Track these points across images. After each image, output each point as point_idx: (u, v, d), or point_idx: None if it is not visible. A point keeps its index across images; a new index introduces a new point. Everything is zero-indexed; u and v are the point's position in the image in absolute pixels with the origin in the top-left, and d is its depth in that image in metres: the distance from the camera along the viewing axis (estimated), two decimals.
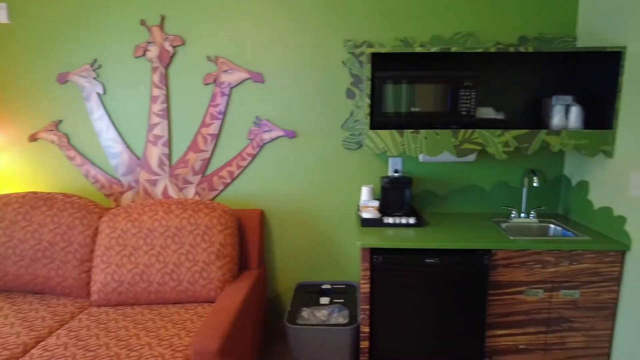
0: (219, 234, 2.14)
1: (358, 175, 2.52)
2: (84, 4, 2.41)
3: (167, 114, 2.49)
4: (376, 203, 2.27)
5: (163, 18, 2.41)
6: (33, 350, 1.73)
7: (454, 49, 2.00)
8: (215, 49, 2.43)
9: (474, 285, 1.97)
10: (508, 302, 2.00)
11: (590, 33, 2.19)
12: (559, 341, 2.03)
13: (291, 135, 2.48)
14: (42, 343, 1.78)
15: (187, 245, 2.11)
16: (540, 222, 2.31)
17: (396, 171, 2.45)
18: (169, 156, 2.54)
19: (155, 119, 2.50)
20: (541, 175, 2.46)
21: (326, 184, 2.54)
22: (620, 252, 1.92)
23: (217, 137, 2.50)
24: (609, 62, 2.00)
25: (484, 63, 2.33)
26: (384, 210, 2.33)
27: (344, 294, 2.48)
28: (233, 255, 2.18)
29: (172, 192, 2.57)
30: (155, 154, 2.53)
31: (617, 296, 1.96)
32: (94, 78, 2.47)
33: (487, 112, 2.25)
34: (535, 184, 2.23)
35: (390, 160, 2.47)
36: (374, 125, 2.10)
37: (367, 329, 2.05)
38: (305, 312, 2.25)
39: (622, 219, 1.93)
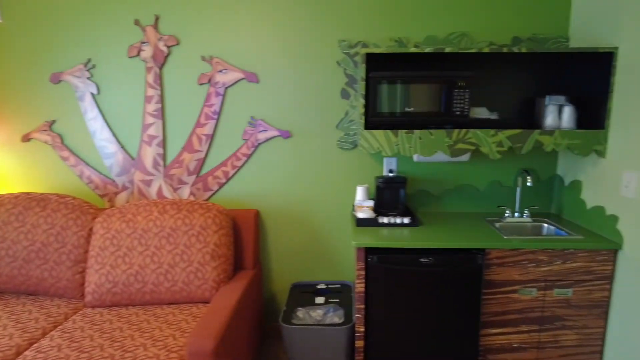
0: (213, 234, 2.13)
1: (353, 175, 2.52)
2: (77, 3, 2.40)
3: (161, 114, 2.48)
4: (371, 203, 2.27)
5: (157, 18, 2.40)
6: (26, 352, 1.72)
7: (448, 50, 2.01)
8: (210, 49, 2.42)
9: (468, 284, 1.99)
10: (502, 301, 2.02)
11: (583, 34, 2.20)
12: (552, 339, 2.04)
13: (286, 135, 2.48)
14: (35, 345, 1.77)
15: (182, 245, 2.10)
16: (534, 221, 2.33)
17: (391, 171, 2.46)
18: (164, 156, 2.53)
19: (150, 119, 2.49)
20: (535, 175, 2.48)
21: (321, 184, 2.54)
22: (613, 251, 1.93)
23: (211, 137, 2.50)
24: (601, 62, 2.01)
25: (478, 63, 2.34)
26: (378, 210, 2.34)
27: (339, 293, 2.48)
28: (228, 255, 2.18)
29: (167, 192, 2.56)
30: (149, 154, 2.53)
31: (610, 294, 1.98)
32: (88, 78, 2.46)
33: (481, 112, 2.27)
34: (528, 184, 2.25)
35: (385, 160, 2.48)
36: (369, 125, 2.11)
37: (362, 329, 2.06)
38: (301, 312, 2.25)
39: (614, 218, 1.95)
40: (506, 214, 2.35)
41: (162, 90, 2.47)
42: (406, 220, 2.19)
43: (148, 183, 2.56)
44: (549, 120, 2.13)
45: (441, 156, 2.32)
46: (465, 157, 2.36)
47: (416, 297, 2.01)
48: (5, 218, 2.20)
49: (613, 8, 1.96)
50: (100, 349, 1.71)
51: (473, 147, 2.07)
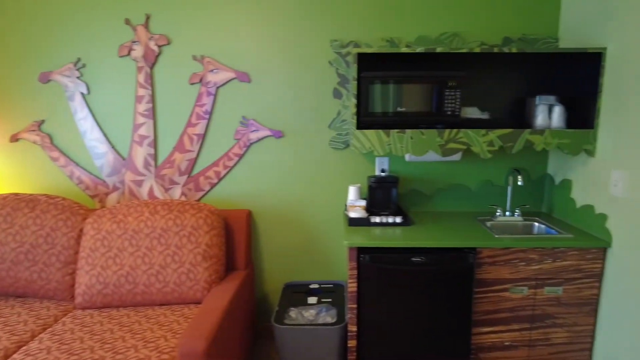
0: (205, 235, 2.12)
1: (345, 174, 2.52)
2: (66, 2, 2.38)
3: (152, 113, 2.47)
4: (363, 202, 2.28)
5: (148, 17, 2.38)
6: (15, 355, 1.69)
7: (439, 49, 2.01)
8: (201, 49, 2.41)
9: (459, 283, 2.00)
10: (493, 299, 2.03)
11: (572, 34, 2.23)
12: (543, 337, 2.06)
13: (278, 135, 2.48)
14: (24, 348, 1.75)
15: (173, 246, 2.09)
16: (525, 220, 2.35)
17: (383, 170, 2.47)
18: (155, 156, 2.51)
19: (141, 119, 2.47)
20: (525, 174, 2.50)
21: (313, 184, 2.54)
22: (602, 249, 1.96)
23: (203, 137, 2.48)
24: (590, 62, 2.03)
25: (469, 63, 2.36)
26: (371, 209, 2.34)
27: (331, 293, 2.48)
28: (220, 256, 2.17)
29: (158, 192, 2.54)
30: (140, 154, 2.51)
31: (599, 292, 2.00)
32: (78, 77, 2.44)
33: (472, 112, 2.28)
34: (519, 183, 2.27)
35: (377, 159, 2.48)
36: (361, 125, 2.11)
37: (354, 328, 2.06)
38: (293, 312, 2.24)
39: (603, 217, 1.97)
40: (497, 213, 2.37)
41: (153, 89, 2.45)
42: (398, 219, 2.20)
43: (139, 183, 2.54)
44: (540, 119, 2.15)
45: (433, 156, 2.33)
46: (456, 157, 2.37)
47: (408, 296, 2.02)
48: None
49: (602, 9, 1.98)
50: (90, 351, 1.69)
51: (464, 147, 2.09)
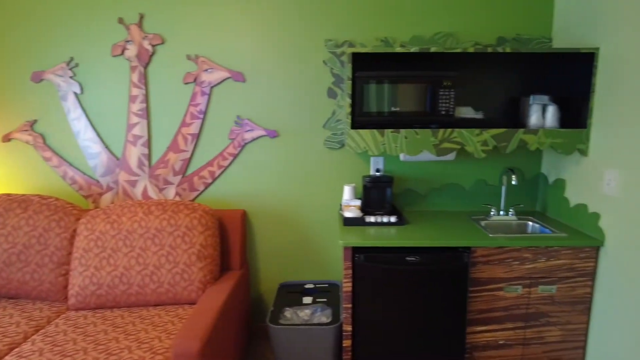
0: (199, 235, 2.12)
1: (340, 174, 2.52)
2: (59, 0, 2.36)
3: (146, 113, 2.45)
4: (358, 202, 2.28)
5: (142, 16, 2.37)
6: (6, 357, 1.68)
7: (433, 49, 2.02)
8: (196, 48, 2.40)
9: (454, 282, 2.00)
10: (488, 298, 2.04)
11: (566, 35, 2.24)
12: (537, 336, 2.07)
13: (273, 134, 2.47)
14: (16, 350, 1.74)
15: (167, 246, 2.08)
16: (519, 219, 2.36)
17: (378, 170, 2.47)
18: (149, 156, 2.50)
19: (135, 119, 2.46)
20: (519, 174, 2.51)
21: (308, 184, 2.53)
22: (595, 248, 1.97)
23: (197, 136, 2.47)
24: (583, 62, 2.05)
25: (463, 63, 2.36)
26: (365, 209, 2.34)
27: (327, 293, 2.48)
28: (214, 256, 2.16)
29: (152, 192, 2.53)
30: (134, 154, 2.49)
31: (592, 291, 2.01)
32: (71, 77, 2.42)
33: (466, 112, 2.28)
34: (513, 182, 2.28)
35: (372, 159, 2.49)
36: (355, 125, 2.11)
37: (349, 328, 2.06)
38: (288, 312, 2.24)
39: (596, 216, 1.99)
40: (491, 213, 2.38)
41: (147, 89, 2.44)
42: (393, 219, 2.20)
43: (133, 183, 2.52)
44: (533, 119, 2.16)
45: (427, 155, 2.33)
46: (450, 156, 2.37)
47: (403, 296, 2.02)
48: None
49: (594, 10, 1.99)
50: (83, 352, 1.68)
51: (458, 146, 2.09)
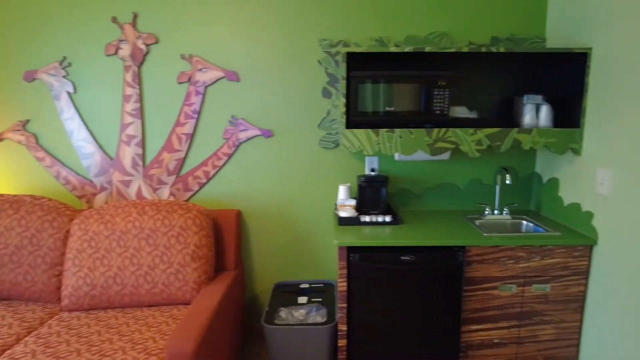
0: (194, 235, 2.11)
1: (335, 174, 2.52)
2: None
3: (140, 113, 2.44)
4: (353, 202, 2.28)
5: (135, 15, 2.36)
6: None
7: (427, 49, 2.02)
8: (190, 48, 2.39)
9: (449, 281, 2.01)
10: (482, 297, 2.04)
11: (559, 35, 2.25)
12: (531, 334, 2.08)
13: (268, 134, 2.47)
14: (8, 352, 1.72)
15: (162, 247, 2.07)
16: (513, 218, 2.37)
17: (372, 170, 2.47)
18: (143, 156, 2.49)
19: (128, 119, 2.44)
20: (513, 173, 2.52)
21: (303, 183, 2.53)
22: (588, 247, 1.98)
23: (191, 136, 2.47)
24: (576, 62, 2.06)
25: (457, 63, 2.37)
26: (360, 208, 2.34)
27: (322, 292, 2.48)
28: (209, 256, 2.15)
29: (146, 192, 2.52)
30: (128, 154, 2.48)
31: (585, 289, 2.03)
32: (64, 76, 2.40)
33: (460, 111, 2.29)
34: (508, 182, 2.29)
35: (367, 159, 2.49)
36: (350, 125, 2.11)
37: (344, 327, 2.06)
38: (283, 312, 2.24)
39: (589, 215, 2.00)
40: (486, 212, 2.39)
41: (140, 89, 2.43)
42: (388, 218, 2.20)
43: (127, 183, 2.51)
44: (527, 119, 2.17)
45: (422, 155, 2.33)
46: (445, 156, 2.38)
47: (398, 295, 2.02)
48: None
49: (587, 10, 2.01)
50: (77, 354, 1.67)
51: (453, 146, 2.10)
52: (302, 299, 2.39)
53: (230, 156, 2.49)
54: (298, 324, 2.13)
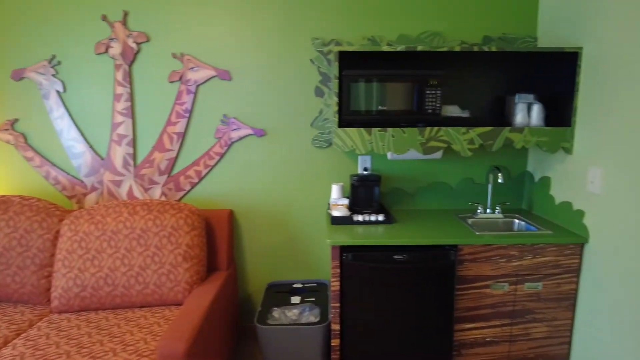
0: (185, 235, 2.09)
1: (328, 173, 2.52)
2: None
3: (131, 112, 2.42)
4: (346, 201, 2.28)
5: (126, 14, 2.33)
6: None
7: (420, 48, 2.02)
8: (181, 46, 2.37)
9: (441, 280, 2.01)
10: (475, 296, 2.05)
11: (550, 34, 2.26)
12: (523, 332, 2.09)
13: (260, 133, 2.45)
14: None
15: (153, 247, 2.05)
16: (505, 217, 2.38)
17: (365, 169, 2.47)
18: (134, 156, 2.46)
19: (119, 118, 2.42)
20: (505, 172, 2.53)
21: (296, 183, 2.52)
22: (580, 245, 1.99)
23: (183, 135, 2.45)
24: (567, 62, 2.07)
25: (449, 62, 2.38)
26: (353, 208, 2.34)
27: (315, 292, 2.47)
28: (201, 256, 2.14)
29: (138, 192, 2.50)
30: (119, 153, 2.46)
31: (577, 287, 2.04)
32: (53, 75, 2.37)
33: (452, 110, 2.29)
34: (500, 180, 2.30)
35: (360, 158, 2.49)
36: (343, 124, 2.10)
37: (337, 327, 2.06)
38: (276, 312, 2.23)
39: (580, 213, 2.01)
40: (478, 211, 2.39)
41: (131, 88, 2.40)
42: (381, 217, 2.20)
43: (118, 183, 2.49)
44: (519, 118, 2.18)
45: (414, 154, 2.34)
46: (437, 155, 2.38)
47: (391, 294, 2.02)
48: None
49: (578, 10, 2.02)
50: (66, 356, 1.65)
51: (445, 145, 2.10)
52: (295, 299, 2.38)
53: (222, 155, 2.47)
54: (291, 324, 2.12)
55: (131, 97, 2.41)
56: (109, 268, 2.03)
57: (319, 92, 2.42)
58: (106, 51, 2.36)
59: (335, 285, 2.01)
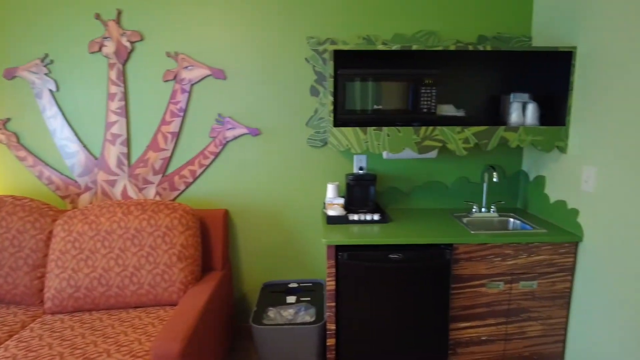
0: (180, 235, 2.08)
1: (323, 172, 2.51)
2: None
3: (125, 111, 2.40)
4: (341, 200, 2.27)
5: (120, 12, 2.31)
6: None
7: (415, 47, 2.02)
8: (175, 45, 2.36)
9: (437, 279, 2.01)
10: (470, 295, 2.05)
11: (545, 34, 2.27)
12: (518, 331, 2.09)
13: (255, 133, 2.44)
14: None
15: (147, 247, 2.04)
16: (500, 216, 2.38)
17: (361, 168, 2.46)
18: (128, 155, 2.45)
19: (113, 117, 2.40)
20: (500, 171, 2.54)
21: (291, 182, 2.52)
22: (574, 244, 2.00)
23: (177, 135, 2.43)
24: (561, 61, 2.07)
25: (444, 61, 2.38)
26: (349, 207, 2.34)
27: (311, 292, 2.47)
28: (195, 256, 2.13)
29: (132, 192, 2.48)
30: (113, 153, 2.44)
31: (571, 285, 2.05)
32: (46, 74, 2.35)
33: (447, 110, 2.30)
34: (495, 179, 2.30)
35: (355, 157, 2.48)
36: (338, 123, 2.10)
37: (333, 327, 2.05)
38: (272, 312, 2.22)
39: (575, 212, 2.02)
40: (473, 210, 2.40)
41: (125, 87, 2.39)
42: (376, 217, 2.20)
43: (112, 183, 2.47)
44: (514, 117, 2.18)
45: (409, 153, 2.33)
46: (432, 154, 2.38)
47: (386, 294, 2.02)
48: None
49: (572, 9, 2.02)
50: (59, 357, 1.63)
51: (440, 144, 2.10)
52: (291, 299, 2.38)
53: (217, 155, 2.46)
54: (286, 324, 2.11)
55: (125, 96, 2.39)
56: (102, 268, 2.01)
57: (314, 91, 2.42)
58: (100, 50, 2.34)
59: (330, 284, 2.01)
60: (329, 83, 2.05)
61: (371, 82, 2.05)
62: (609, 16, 1.78)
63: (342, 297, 2.03)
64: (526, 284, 2.04)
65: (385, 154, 2.42)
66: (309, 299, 2.37)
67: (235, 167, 2.48)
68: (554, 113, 2.14)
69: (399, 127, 2.07)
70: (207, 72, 2.37)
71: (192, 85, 2.39)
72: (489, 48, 2.03)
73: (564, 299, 2.06)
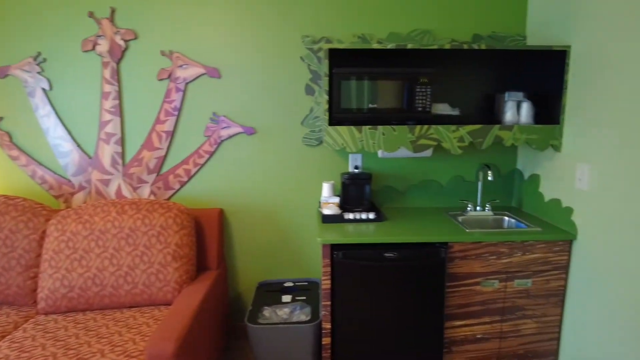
0: (174, 235, 2.07)
1: (319, 171, 2.51)
2: None
3: (119, 110, 2.38)
4: (337, 199, 2.27)
5: (113, 10, 2.30)
6: None
7: (410, 46, 2.02)
8: (170, 44, 2.34)
9: (432, 277, 2.01)
10: (465, 293, 2.05)
11: (539, 33, 2.27)
12: (513, 329, 2.10)
13: (250, 131, 2.44)
14: None
15: (142, 246, 2.03)
16: (495, 214, 2.39)
17: (356, 167, 2.46)
18: (122, 155, 2.43)
19: (107, 116, 2.39)
20: (495, 169, 2.54)
21: (287, 181, 2.51)
22: (568, 242, 2.01)
23: (172, 134, 2.42)
24: (555, 60, 2.08)
25: (439, 60, 2.38)
26: (344, 206, 2.34)
27: (306, 291, 2.47)
28: (190, 256, 2.12)
29: (126, 192, 2.47)
30: (107, 152, 2.42)
31: (565, 283, 2.06)
32: (38, 72, 2.33)
33: (442, 108, 2.30)
34: (490, 178, 2.30)
35: (350, 156, 2.48)
36: (333, 122, 2.10)
37: (328, 325, 2.05)
38: (267, 311, 2.22)
39: (569, 210, 2.03)
40: (468, 208, 2.40)
41: (119, 86, 2.37)
42: (371, 216, 2.20)
43: (106, 182, 2.45)
44: (508, 115, 2.19)
45: (405, 152, 2.34)
46: (428, 153, 2.39)
47: (382, 292, 2.02)
48: None
49: (566, 9, 2.03)
50: (53, 358, 1.62)
51: (435, 143, 2.10)
52: (286, 298, 2.37)
53: (211, 154, 2.45)
54: (282, 323, 2.11)
55: (119, 95, 2.38)
56: (97, 268, 2.00)
57: (309, 90, 2.41)
58: (93, 48, 2.33)
59: (326, 283, 2.01)
60: (324, 82, 2.05)
61: (366, 81, 2.04)
62: (603, 16, 1.78)
63: (337, 296, 2.02)
64: (521, 282, 2.05)
65: (380, 153, 2.42)
66: (304, 298, 2.37)
67: (230, 166, 2.48)
68: (549, 112, 2.15)
69: (394, 126, 2.07)
70: (201, 70, 2.36)
71: (187, 84, 2.38)
72: (483, 47, 2.03)
73: (559, 296, 2.07)
